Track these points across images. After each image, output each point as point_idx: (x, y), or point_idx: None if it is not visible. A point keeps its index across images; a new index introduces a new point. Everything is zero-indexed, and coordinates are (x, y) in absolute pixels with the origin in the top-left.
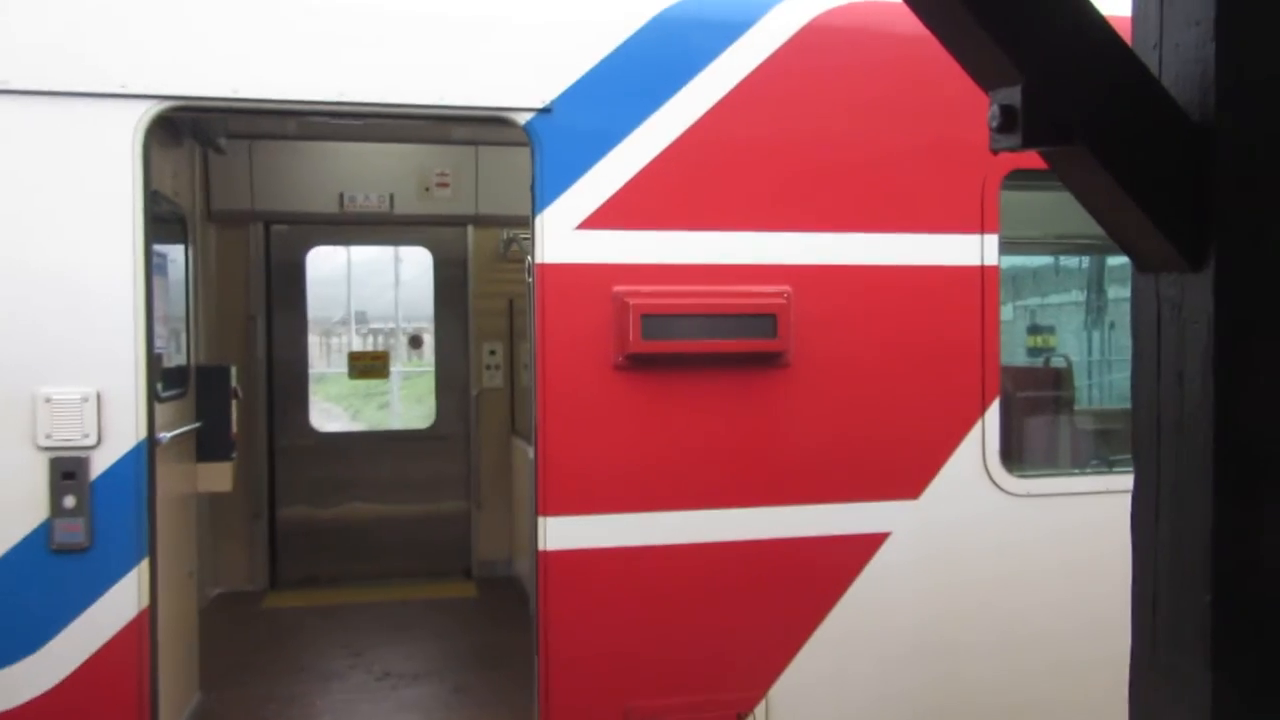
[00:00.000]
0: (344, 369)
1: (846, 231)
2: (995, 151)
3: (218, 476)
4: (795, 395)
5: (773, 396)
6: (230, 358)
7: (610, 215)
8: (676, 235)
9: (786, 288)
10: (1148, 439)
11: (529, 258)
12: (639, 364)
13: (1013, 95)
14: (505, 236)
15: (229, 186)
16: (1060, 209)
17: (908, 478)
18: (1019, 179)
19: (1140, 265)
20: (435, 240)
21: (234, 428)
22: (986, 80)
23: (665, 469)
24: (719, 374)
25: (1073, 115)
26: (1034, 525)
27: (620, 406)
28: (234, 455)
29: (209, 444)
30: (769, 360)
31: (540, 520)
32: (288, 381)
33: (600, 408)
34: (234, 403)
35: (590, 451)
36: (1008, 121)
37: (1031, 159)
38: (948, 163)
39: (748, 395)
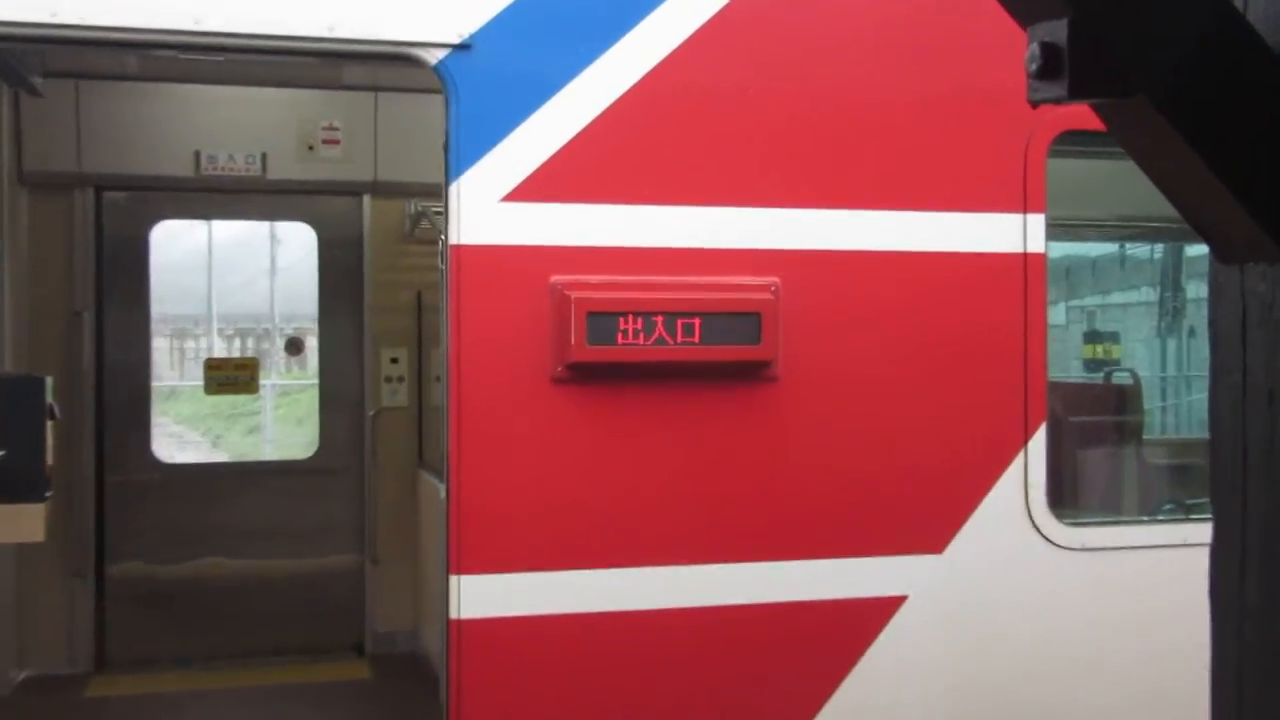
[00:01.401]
0: (200, 381)
1: (851, 208)
2: (1034, 104)
3: (26, 522)
4: (784, 418)
5: (755, 419)
6: (46, 366)
7: (547, 184)
8: (632, 211)
9: (774, 279)
10: (1230, 476)
11: (442, 238)
12: (584, 376)
13: (1057, 31)
14: (412, 210)
15: (47, 140)
16: (1126, 181)
17: (929, 526)
18: (1072, 142)
19: (1220, 254)
20: (321, 214)
21: (49, 458)
22: (1024, 11)
23: (617, 513)
24: (686, 390)
25: (1133, 58)
26: (1090, 586)
27: (559, 431)
28: (48, 495)
29: (14, 480)
30: (751, 372)
31: (454, 580)
32: (124, 398)
33: (534, 433)
34: (49, 425)
35: (520, 490)
36: (1050, 65)
37: (1086, 115)
38: (981, 119)
39: (723, 417)
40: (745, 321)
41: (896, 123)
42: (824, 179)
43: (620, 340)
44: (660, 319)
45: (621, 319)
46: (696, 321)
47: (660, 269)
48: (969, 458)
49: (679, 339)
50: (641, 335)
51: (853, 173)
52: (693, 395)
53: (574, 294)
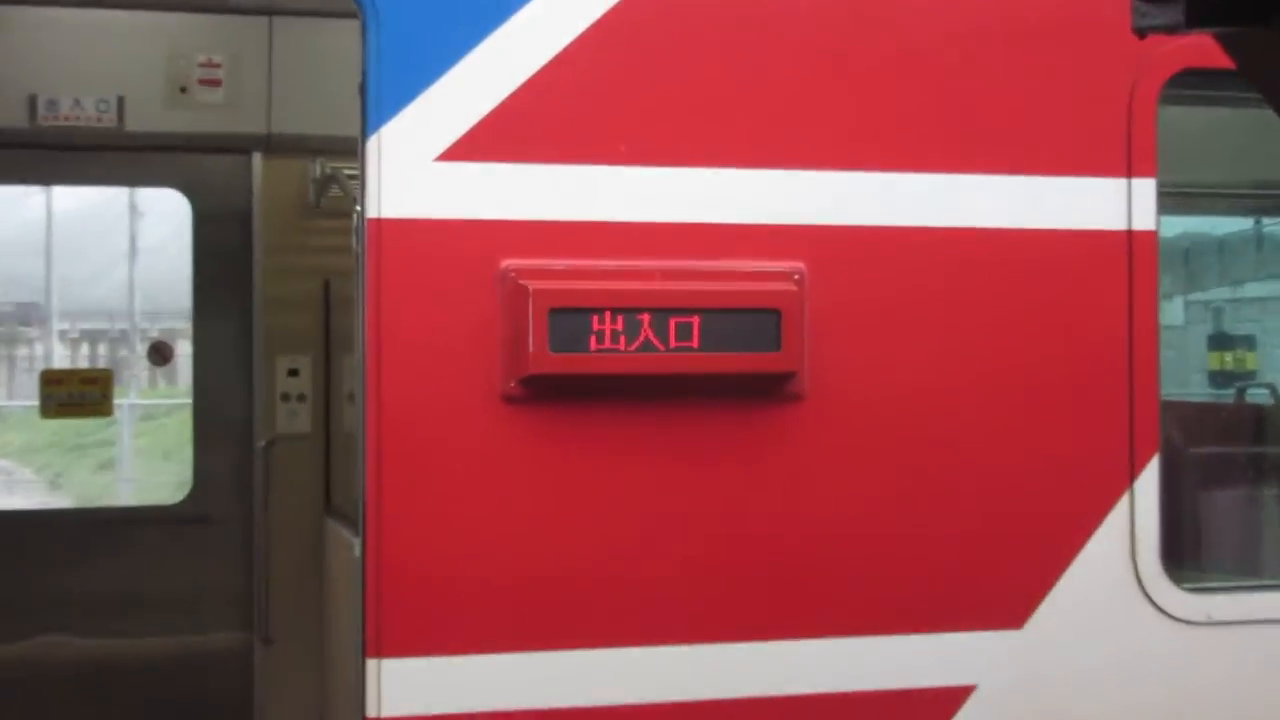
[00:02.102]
0: (35, 401)
1: (898, 171)
2: (1141, 33)
3: None
4: (812, 450)
5: (773, 452)
6: None
7: (498, 138)
8: (610, 175)
9: (798, 265)
10: None
11: (358, 210)
12: (545, 393)
13: None
14: (319, 173)
15: None
16: (1263, 135)
17: (1003, 593)
18: (1192, 84)
19: None
20: (197, 178)
21: None
22: None
23: (592, 577)
24: (681, 413)
25: None
26: (1218, 672)
27: (513, 468)
28: None
29: None
30: (767, 388)
31: (371, 665)
32: None
33: (479, 469)
34: None
35: (461, 545)
36: None
37: (1209, 49)
38: (1070, 55)
39: (730, 449)
40: (760, 321)
41: (956, 59)
42: (863, 133)
43: (594, 346)
44: (647, 318)
45: (595, 318)
46: (695, 321)
47: (647, 250)
48: (1056, 503)
49: (672, 344)
50: (622, 339)
51: (901, 125)
52: (690, 420)
53: (532, 284)
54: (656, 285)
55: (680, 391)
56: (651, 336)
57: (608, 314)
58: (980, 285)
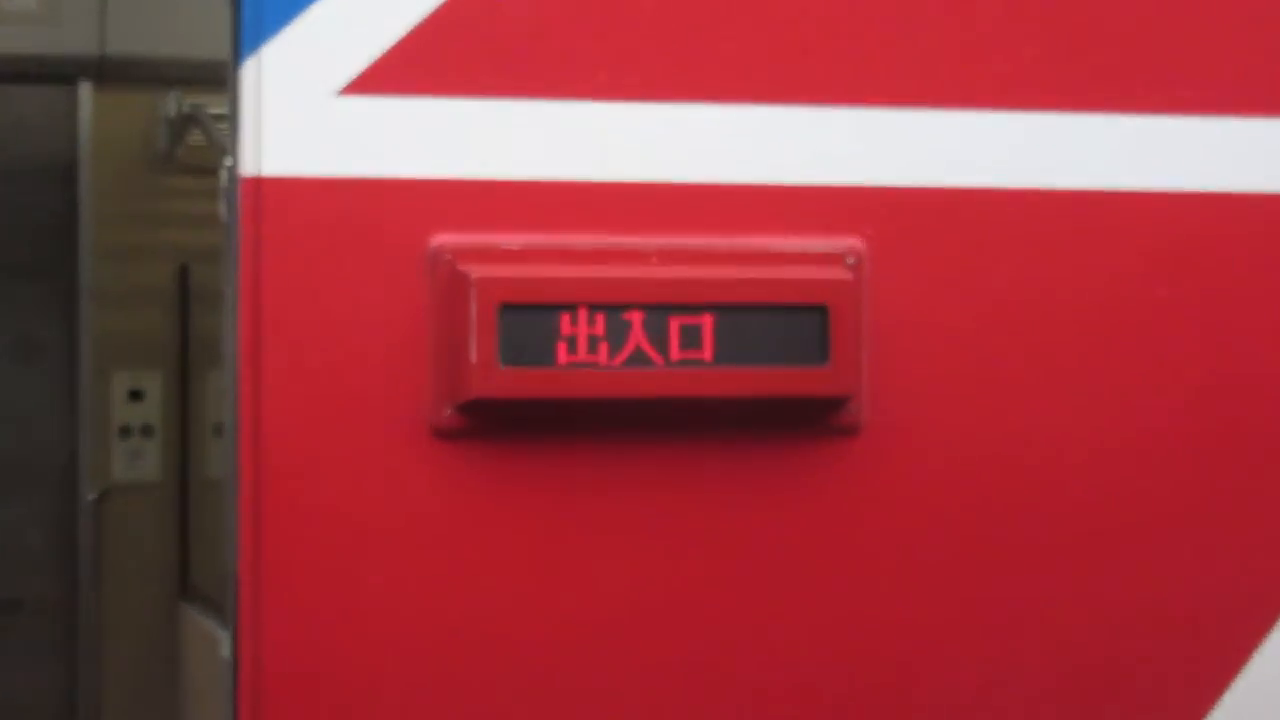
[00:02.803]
0: None
1: (1007, 108)
2: None
3: None
4: (871, 503)
5: (816, 507)
6: None
7: (427, 64)
8: (583, 114)
9: (853, 244)
10: None
11: (227, 164)
12: (495, 424)
13: None
14: (173, 112)
15: None
16: None
17: (1161, 702)
18: None
19: None
20: None
21: None
22: None
23: (556, 683)
24: (687, 453)
25: None
26: None
27: (448, 529)
28: None
29: None
30: (809, 418)
31: None
32: None
33: (399, 532)
34: None
35: (374, 640)
36: None
37: None
38: None
39: (756, 506)
40: (798, 323)
41: None
42: (950, 51)
43: (563, 358)
44: (638, 318)
45: (565, 318)
46: (706, 322)
47: (640, 223)
48: (1238, 582)
49: (674, 356)
50: (604, 348)
51: (1011, 41)
52: (698, 465)
53: (476, 270)
54: (652, 271)
55: (685, 423)
56: (645, 345)
57: (583, 312)
58: (1134, 274)
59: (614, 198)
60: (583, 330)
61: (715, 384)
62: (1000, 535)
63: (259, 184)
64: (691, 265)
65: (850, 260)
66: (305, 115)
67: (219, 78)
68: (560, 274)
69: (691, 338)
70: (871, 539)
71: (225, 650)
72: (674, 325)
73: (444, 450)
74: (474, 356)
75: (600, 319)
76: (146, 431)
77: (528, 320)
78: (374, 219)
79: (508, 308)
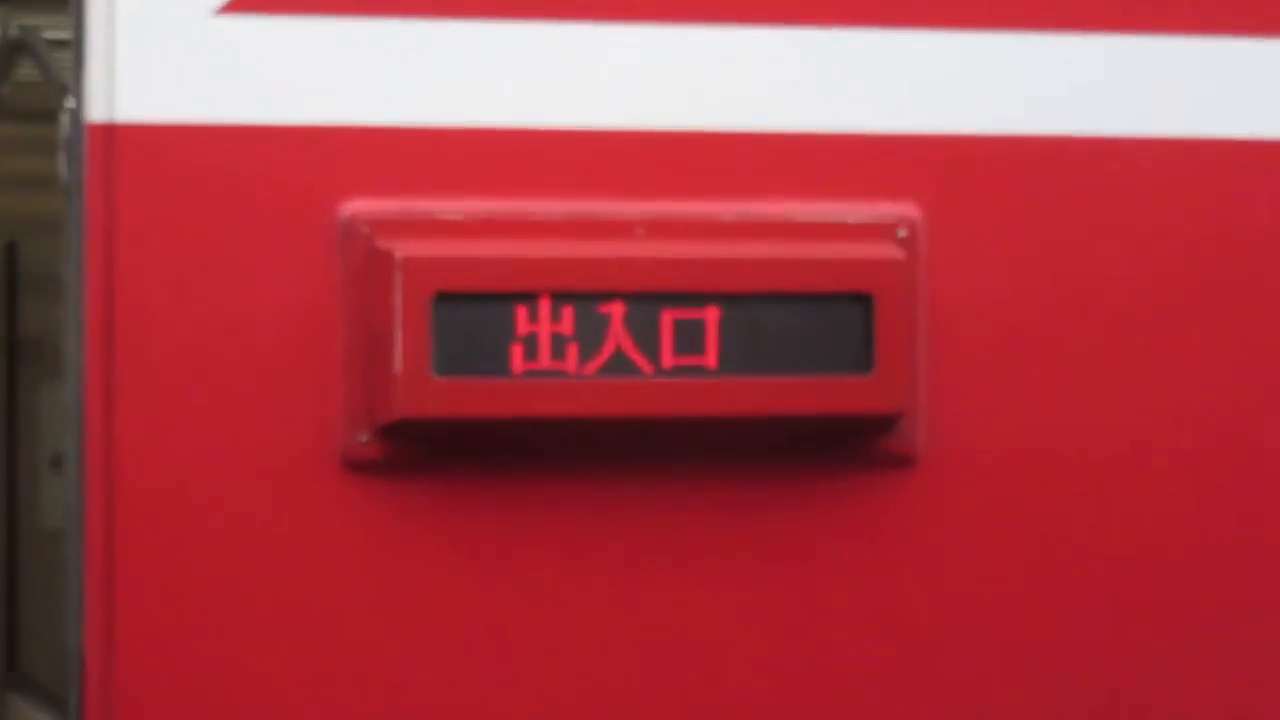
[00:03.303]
0: None
1: (1113, 30)
2: None
3: None
4: (930, 563)
5: (856, 565)
6: None
7: None
8: (546, 39)
9: (906, 212)
10: None
11: (66, 105)
12: (428, 453)
13: None
14: None
15: None
16: None
17: None
18: None
19: None
20: None
21: None
22: None
23: None
24: (684, 492)
25: None
26: None
27: (367, 592)
28: None
29: None
30: (847, 444)
31: None
32: None
33: (301, 595)
34: None
35: None
36: None
37: None
38: None
39: (776, 560)
40: (833, 317)
41: None
42: None
43: (519, 365)
44: (618, 311)
45: (521, 310)
46: (709, 317)
47: (620, 183)
48: None
49: (666, 362)
50: (573, 351)
51: None
52: (698, 505)
53: (402, 248)
54: (638, 249)
55: (680, 453)
56: (628, 347)
57: (545, 303)
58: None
59: (586, 150)
60: (545, 327)
61: (721, 400)
62: (1101, 581)
63: (111, 133)
64: (690, 241)
65: (902, 233)
66: (173, 42)
67: None
68: (515, 252)
69: (690, 338)
70: (929, 598)
71: None
72: (667, 321)
73: (359, 487)
74: (400, 364)
75: (568, 312)
76: None
77: (472, 314)
78: (266, 179)
79: (445, 298)
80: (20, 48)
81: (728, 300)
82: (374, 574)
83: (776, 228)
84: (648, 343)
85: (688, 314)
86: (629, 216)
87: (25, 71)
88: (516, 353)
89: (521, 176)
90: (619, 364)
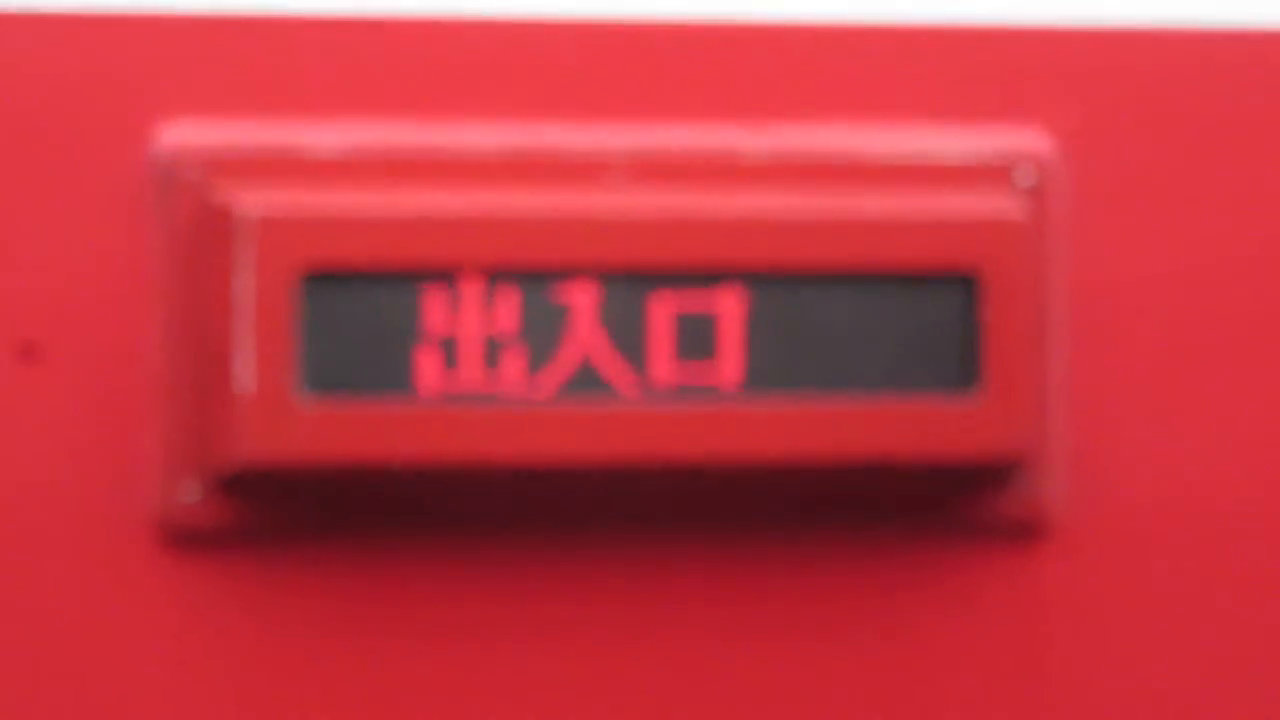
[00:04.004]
0: None
1: None
2: None
3: None
4: (1072, 684)
5: (964, 689)
6: None
7: None
8: None
9: (1029, 144)
10: None
11: None
12: (287, 518)
13: None
14: None
15: None
16: None
17: None
18: None
19: None
20: None
21: None
22: None
23: None
24: (688, 571)
25: None
26: None
27: (195, 710)
28: None
29: None
30: (938, 504)
31: None
32: None
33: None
34: None
35: None
36: None
37: None
38: None
39: (824, 680)
40: (913, 307)
41: None
42: None
43: (431, 381)
44: (585, 298)
45: (433, 296)
46: (724, 310)
47: (582, 102)
48: None
49: (659, 377)
50: (516, 360)
51: None
52: (711, 592)
53: (250, 204)
54: (614, 201)
55: (680, 513)
56: (601, 353)
57: (472, 285)
58: None
59: (536, 47)
60: (472, 324)
61: (743, 437)
62: None
63: None
64: (696, 189)
65: (1025, 177)
66: None
67: None
68: (426, 206)
69: (697, 341)
70: None
71: None
72: (660, 314)
73: (185, 568)
74: (248, 381)
75: (509, 300)
76: None
77: (359, 304)
78: (39, 98)
79: (318, 279)
80: None
81: (754, 282)
82: (208, 696)
83: (828, 170)
84: (632, 348)
85: (693, 303)
86: (602, 151)
87: None
88: (427, 362)
89: (435, 89)
90: (587, 381)
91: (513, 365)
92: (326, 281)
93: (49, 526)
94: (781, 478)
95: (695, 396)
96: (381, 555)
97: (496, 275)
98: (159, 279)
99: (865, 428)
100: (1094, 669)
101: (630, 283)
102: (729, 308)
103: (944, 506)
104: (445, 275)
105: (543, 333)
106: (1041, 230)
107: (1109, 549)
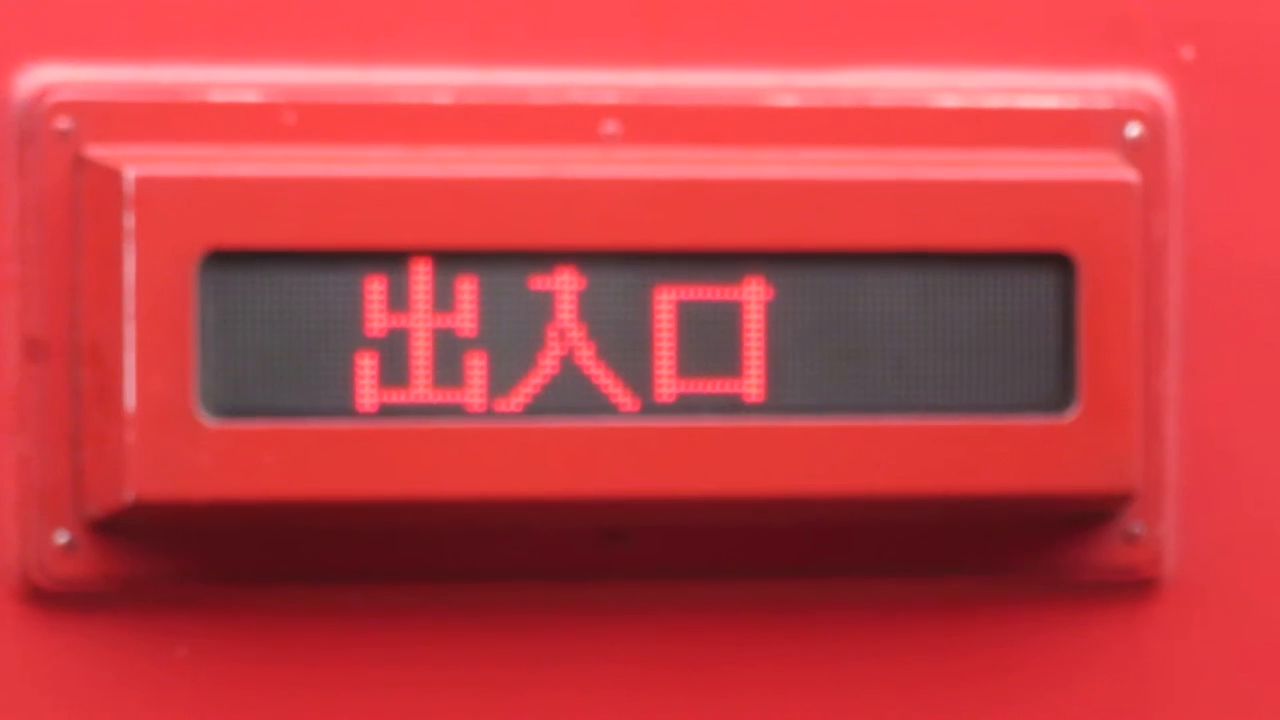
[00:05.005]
0: None
1: None
2: None
3: None
4: None
5: None
6: None
7: None
8: None
9: (1141, 95)
10: None
11: None
12: (190, 570)
13: None
14: None
15: None
16: None
17: None
18: None
19: None
20: None
21: None
22: None
23: None
24: (702, 634)
25: None
26: None
27: None
28: None
29: None
30: (1034, 550)
31: None
32: None
33: None
34: None
35: None
36: None
37: None
38: None
39: None
40: (993, 299)
41: None
42: None
43: (370, 394)
44: (567, 287)
45: (372, 285)
46: (748, 299)
47: (567, 37)
48: None
49: (663, 390)
50: (478, 365)
51: None
52: (734, 659)
53: (137, 165)
54: (605, 163)
55: (693, 562)
56: (587, 358)
57: (420, 271)
58: None
59: None
60: (423, 320)
61: (770, 467)
62: None
63: None
64: (709, 148)
65: (1136, 131)
66: None
67: None
68: (363, 171)
69: (713, 343)
70: None
71: None
72: (664, 307)
73: (55, 632)
74: (133, 396)
75: (468, 290)
76: None
77: (278, 295)
78: None
79: (223, 260)
80: None
81: (786, 268)
82: None
83: (882, 125)
84: (626, 350)
85: (707, 294)
86: (590, 100)
87: None
88: (364, 369)
89: (372, 20)
90: (570, 392)
91: (475, 372)
92: (233, 264)
93: None
94: (819, 518)
95: (707, 414)
96: (312, 622)
97: (451, 258)
98: (15, 260)
99: (930, 455)
100: None
101: (625, 268)
102: (751, 301)
103: (1032, 553)
104: (387, 257)
105: (514, 333)
106: (1158, 199)
107: (1229, 601)
